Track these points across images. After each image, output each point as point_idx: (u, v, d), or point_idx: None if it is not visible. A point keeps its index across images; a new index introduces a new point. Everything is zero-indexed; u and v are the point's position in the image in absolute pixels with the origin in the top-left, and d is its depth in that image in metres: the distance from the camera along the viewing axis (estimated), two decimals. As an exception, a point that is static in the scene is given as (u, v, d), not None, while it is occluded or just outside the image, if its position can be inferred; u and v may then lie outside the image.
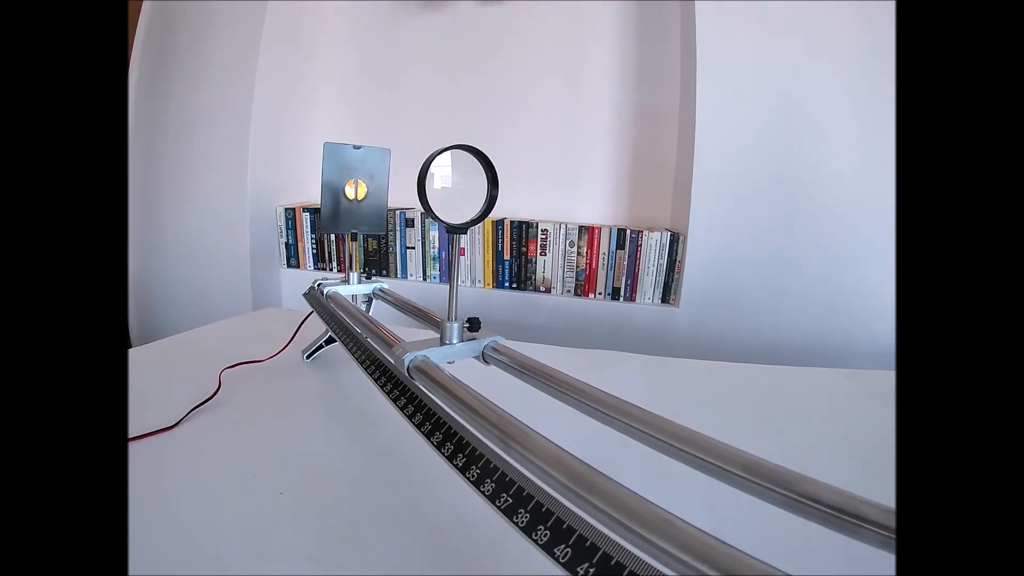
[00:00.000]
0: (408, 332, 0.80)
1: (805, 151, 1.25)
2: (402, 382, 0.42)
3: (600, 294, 1.32)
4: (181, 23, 1.41)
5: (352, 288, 0.69)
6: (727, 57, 1.24)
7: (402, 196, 1.44)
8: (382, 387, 0.44)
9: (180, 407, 0.57)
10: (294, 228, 1.45)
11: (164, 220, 1.46)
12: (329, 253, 1.45)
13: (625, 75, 1.41)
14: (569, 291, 1.33)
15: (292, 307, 1.53)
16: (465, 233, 0.42)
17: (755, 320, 1.28)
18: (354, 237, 0.69)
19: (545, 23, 1.41)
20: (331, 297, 0.66)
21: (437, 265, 1.37)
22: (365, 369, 0.47)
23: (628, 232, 1.28)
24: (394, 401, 0.41)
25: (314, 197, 1.59)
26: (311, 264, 1.47)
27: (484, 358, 0.46)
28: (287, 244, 1.47)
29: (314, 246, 1.45)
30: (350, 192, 0.68)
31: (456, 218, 0.42)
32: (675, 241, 1.29)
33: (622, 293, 1.31)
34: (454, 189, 0.43)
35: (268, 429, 0.55)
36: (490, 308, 1.35)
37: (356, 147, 0.67)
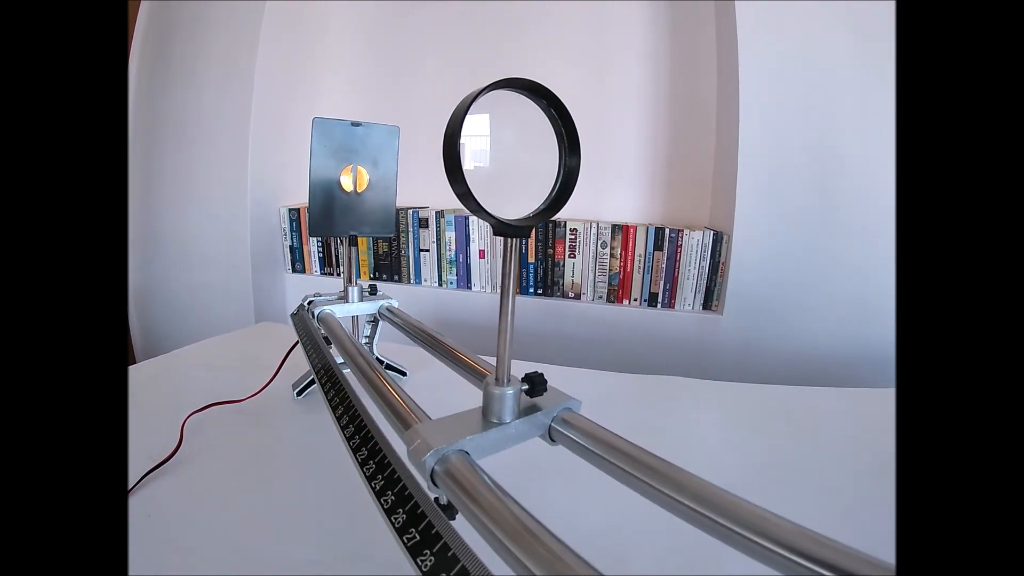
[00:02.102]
0: (417, 359, 0.61)
1: (854, 145, 1.05)
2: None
3: (635, 300, 1.13)
4: (179, 19, 1.24)
5: (351, 307, 0.51)
6: (770, 47, 1.05)
7: (414, 193, 1.26)
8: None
9: (133, 467, 0.40)
10: (298, 230, 1.27)
11: (162, 223, 1.29)
12: (337, 257, 1.27)
13: (656, 62, 1.22)
14: (601, 297, 1.14)
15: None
16: (527, 236, 0.24)
17: (806, 327, 1.09)
18: (353, 241, 0.51)
19: (569, 7, 1.22)
20: (322, 320, 0.48)
21: (454, 270, 1.19)
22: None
23: (667, 231, 1.09)
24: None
25: (321, 197, 1.41)
26: (317, 269, 1.29)
27: (550, 434, 0.27)
28: (291, 247, 1.29)
29: (320, 250, 1.28)
30: (347, 182, 0.49)
31: (508, 211, 0.23)
32: (718, 241, 1.09)
33: (660, 299, 1.12)
34: (501, 162, 0.24)
35: (237, 511, 0.38)
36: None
37: (355, 124, 0.49)
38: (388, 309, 0.51)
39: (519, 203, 0.24)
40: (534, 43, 1.25)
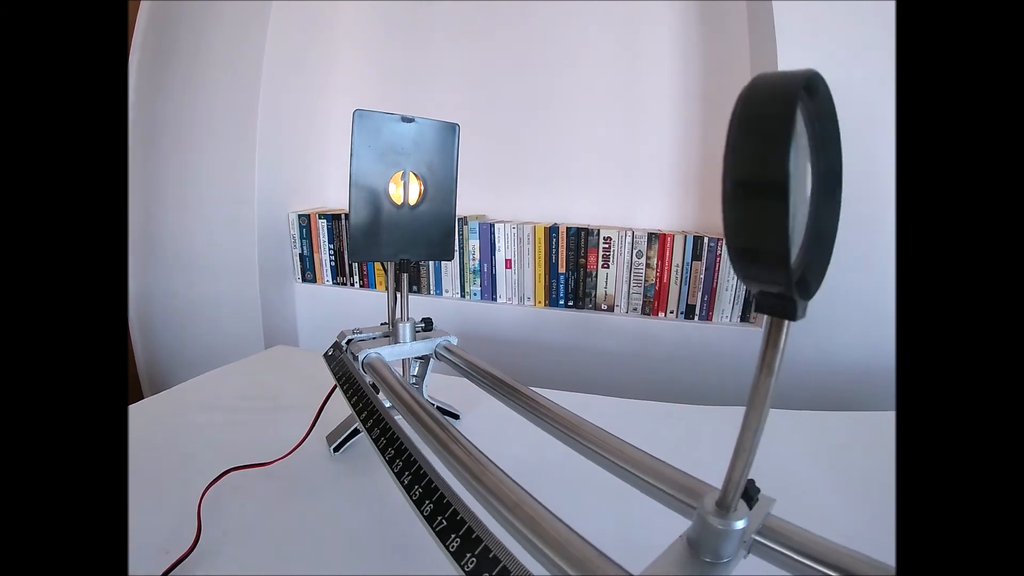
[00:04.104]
0: (462, 392, 0.51)
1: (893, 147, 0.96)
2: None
3: (671, 312, 1.03)
4: (182, 13, 1.12)
5: (403, 348, 0.40)
6: (809, 48, 0.97)
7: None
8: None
9: (141, 567, 0.30)
10: (309, 237, 1.16)
11: (164, 229, 1.17)
12: (350, 266, 1.15)
13: (688, 61, 1.11)
14: (636, 310, 1.04)
15: (308, 327, 1.25)
16: (795, 319, 0.14)
17: (847, 339, 0.99)
18: (404, 266, 0.40)
19: (595, 4, 1.11)
20: (370, 366, 0.37)
21: (478, 280, 1.08)
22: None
23: (706, 240, 0.99)
24: None
25: (332, 201, 1.30)
26: (329, 278, 1.18)
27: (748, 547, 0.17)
28: (301, 256, 1.18)
29: (332, 258, 1.16)
30: (396, 193, 0.38)
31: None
32: (759, 249, 0.99)
33: (697, 311, 1.02)
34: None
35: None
36: (542, 331, 1.06)
37: (406, 119, 0.38)
38: (446, 348, 0.40)
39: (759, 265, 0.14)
40: (559, 42, 1.14)
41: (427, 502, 0.25)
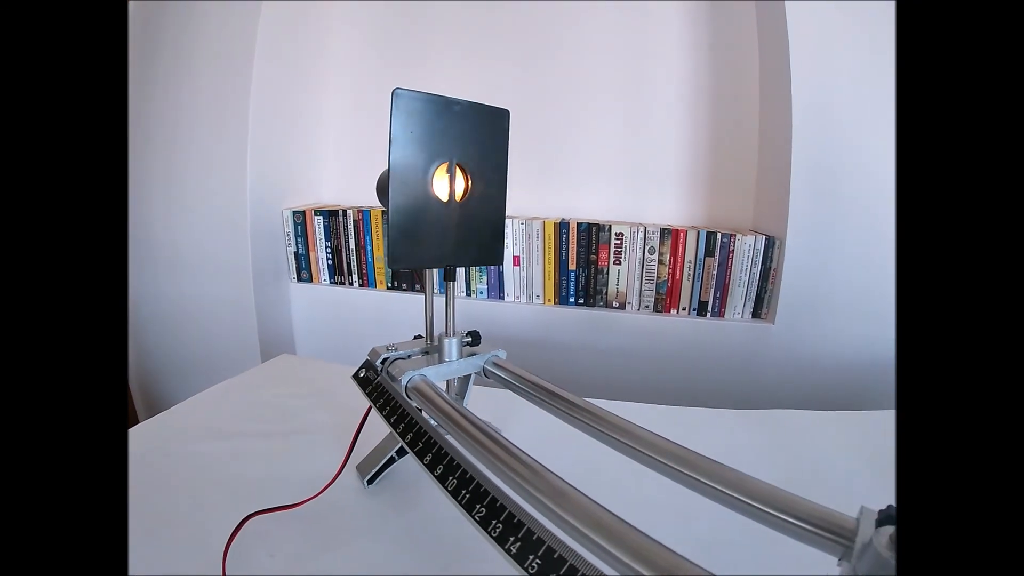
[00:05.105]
0: (495, 400, 0.45)
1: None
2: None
3: (684, 309, 0.99)
4: (170, 4, 1.02)
5: (451, 368, 0.34)
6: (822, 41, 0.93)
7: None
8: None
9: None
10: (304, 235, 1.08)
11: (152, 230, 1.07)
12: (349, 264, 1.08)
13: (698, 56, 1.06)
14: (647, 307, 1.00)
15: (305, 328, 1.16)
16: None
17: (860, 333, 0.97)
18: (452, 274, 0.34)
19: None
20: (416, 390, 0.31)
21: (484, 278, 1.02)
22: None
23: (719, 236, 0.95)
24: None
25: (327, 197, 1.22)
26: (326, 277, 1.10)
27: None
28: (297, 254, 1.10)
29: (329, 256, 1.09)
30: (440, 188, 0.32)
31: None
32: (770, 246, 0.96)
33: (710, 308, 0.99)
34: None
35: None
36: (551, 329, 1.01)
37: (451, 102, 0.32)
38: (495, 363, 0.35)
39: None
40: (568, 36, 1.07)
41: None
